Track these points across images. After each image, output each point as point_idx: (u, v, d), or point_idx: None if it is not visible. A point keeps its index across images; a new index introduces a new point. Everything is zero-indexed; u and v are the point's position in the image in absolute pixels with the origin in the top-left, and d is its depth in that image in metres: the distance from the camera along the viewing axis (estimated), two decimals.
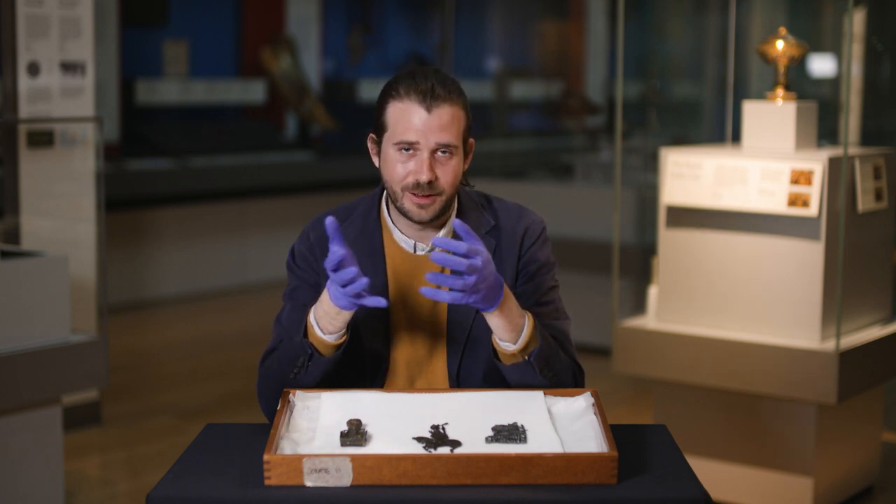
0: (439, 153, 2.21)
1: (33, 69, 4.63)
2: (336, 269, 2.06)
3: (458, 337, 2.29)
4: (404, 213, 2.25)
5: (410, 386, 2.32)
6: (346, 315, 2.16)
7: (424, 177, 2.19)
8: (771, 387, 3.81)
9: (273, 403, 2.27)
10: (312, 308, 2.20)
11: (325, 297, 2.17)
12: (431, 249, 2.30)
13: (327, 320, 2.17)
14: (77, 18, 4.76)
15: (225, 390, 5.59)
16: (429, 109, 2.20)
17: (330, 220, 2.06)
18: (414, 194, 2.21)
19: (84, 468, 4.50)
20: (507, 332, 2.17)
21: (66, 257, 3.82)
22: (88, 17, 4.79)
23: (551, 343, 2.23)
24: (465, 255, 2.03)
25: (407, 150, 2.21)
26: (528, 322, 2.18)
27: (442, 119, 2.20)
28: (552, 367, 2.22)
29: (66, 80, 4.74)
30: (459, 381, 2.30)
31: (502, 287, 2.14)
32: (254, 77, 8.99)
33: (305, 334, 2.20)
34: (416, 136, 2.20)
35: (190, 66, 8.73)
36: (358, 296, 2.09)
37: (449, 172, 2.22)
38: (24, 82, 4.61)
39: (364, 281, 2.06)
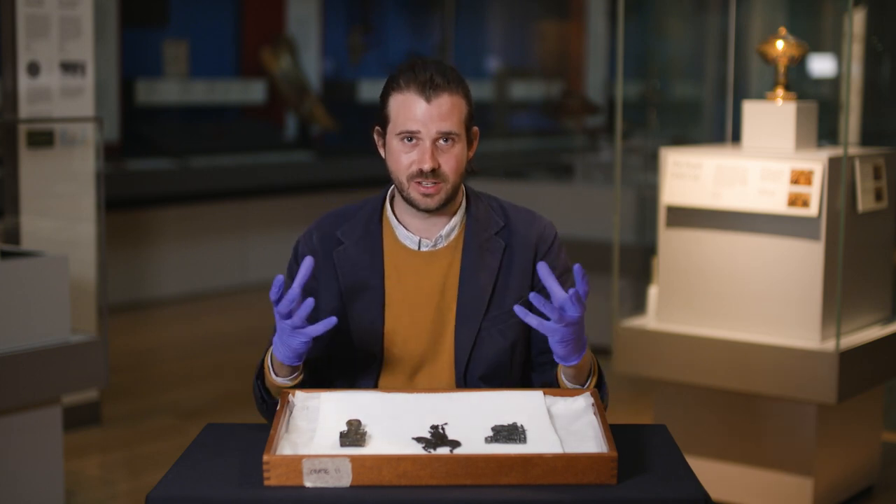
0: (441, 142, 2.26)
1: (33, 69, 4.63)
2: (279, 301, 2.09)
3: (467, 335, 2.30)
4: (411, 203, 2.28)
5: (411, 382, 2.32)
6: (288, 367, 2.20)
7: (427, 165, 2.23)
8: (771, 387, 3.81)
9: (266, 416, 2.33)
10: (271, 349, 2.22)
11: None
12: (435, 245, 2.32)
13: (277, 365, 2.21)
14: (77, 18, 4.76)
15: (225, 390, 5.59)
16: (428, 99, 2.24)
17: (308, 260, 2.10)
18: (419, 183, 2.25)
19: (84, 468, 4.49)
20: (579, 377, 2.22)
21: (66, 257, 3.82)
22: (88, 17, 4.79)
23: (601, 370, 2.29)
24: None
25: (410, 140, 2.26)
26: (593, 363, 2.24)
27: (442, 108, 2.24)
28: (602, 388, 2.29)
29: (66, 80, 4.73)
30: (466, 377, 2.30)
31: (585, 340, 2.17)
32: (254, 77, 8.99)
33: (260, 375, 2.26)
34: (417, 126, 2.24)
35: (190, 66, 8.73)
36: (301, 326, 2.10)
37: (451, 160, 2.26)
38: (24, 82, 4.61)
39: (308, 302, 2.08)
